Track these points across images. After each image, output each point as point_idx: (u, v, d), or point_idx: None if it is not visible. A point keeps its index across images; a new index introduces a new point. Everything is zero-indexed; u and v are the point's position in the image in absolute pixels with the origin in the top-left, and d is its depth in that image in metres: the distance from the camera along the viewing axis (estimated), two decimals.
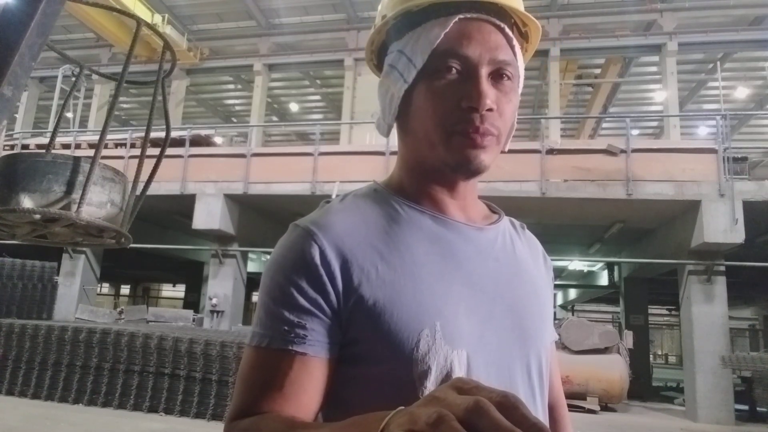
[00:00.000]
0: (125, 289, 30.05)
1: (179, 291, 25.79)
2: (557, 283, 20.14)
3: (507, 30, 0.72)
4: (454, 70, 0.71)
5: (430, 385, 0.65)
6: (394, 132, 0.81)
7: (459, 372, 0.66)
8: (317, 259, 0.67)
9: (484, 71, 0.70)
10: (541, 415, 0.74)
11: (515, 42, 0.74)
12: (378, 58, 0.84)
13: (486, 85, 0.70)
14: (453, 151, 0.71)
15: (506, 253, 0.79)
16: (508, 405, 0.39)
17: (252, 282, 21.18)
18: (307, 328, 0.66)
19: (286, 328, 0.66)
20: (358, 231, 0.70)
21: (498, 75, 0.72)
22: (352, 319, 0.66)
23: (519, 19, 0.76)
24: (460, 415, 0.38)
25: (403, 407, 0.44)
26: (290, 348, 0.65)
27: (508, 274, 0.76)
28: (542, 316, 0.78)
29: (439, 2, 0.72)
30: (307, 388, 0.65)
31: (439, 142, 0.71)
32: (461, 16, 0.71)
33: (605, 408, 9.21)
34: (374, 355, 0.66)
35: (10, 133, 13.47)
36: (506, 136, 0.75)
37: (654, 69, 14.48)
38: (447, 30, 0.70)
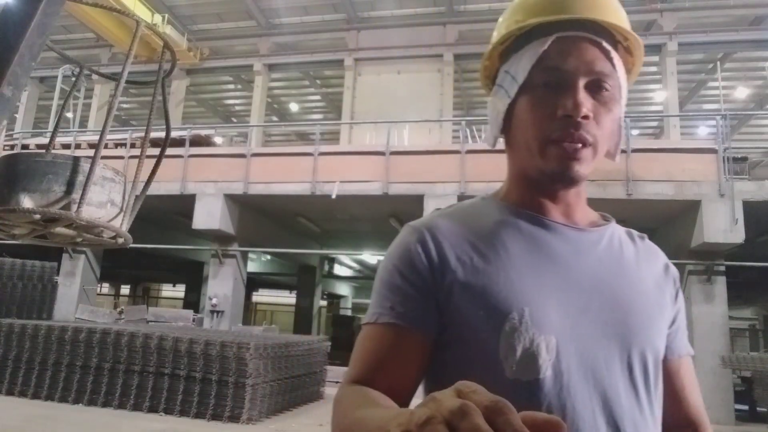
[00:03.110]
0: (125, 289, 30.02)
1: (179, 291, 25.77)
2: None
3: (604, 44, 0.77)
4: (551, 83, 0.77)
5: (515, 365, 0.70)
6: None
7: (546, 356, 0.70)
8: (419, 250, 0.77)
9: (581, 83, 0.76)
10: (648, 415, 0.74)
11: (613, 55, 0.77)
12: (493, 83, 0.90)
13: (582, 95, 0.75)
14: (549, 161, 0.77)
15: (611, 255, 0.81)
16: (495, 410, 0.39)
17: (252, 282, 21.22)
18: (408, 306, 0.75)
19: (391, 305, 0.76)
20: (459, 230, 0.79)
21: (596, 86, 0.77)
22: (447, 302, 0.74)
23: (620, 34, 0.80)
24: (446, 417, 0.39)
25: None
26: (394, 322, 0.74)
27: (611, 274, 0.79)
28: (649, 318, 0.78)
29: (540, 23, 0.78)
30: (403, 358, 0.74)
31: (537, 152, 0.77)
32: (559, 35, 0.76)
33: None
34: (466, 337, 0.73)
35: (10, 133, 13.46)
36: (606, 143, 0.80)
37: (654, 69, 14.48)
38: (546, 47, 0.76)
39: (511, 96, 0.80)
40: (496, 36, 0.84)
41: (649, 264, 0.85)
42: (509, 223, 0.80)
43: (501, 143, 0.88)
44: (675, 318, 0.84)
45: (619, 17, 0.79)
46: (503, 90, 0.82)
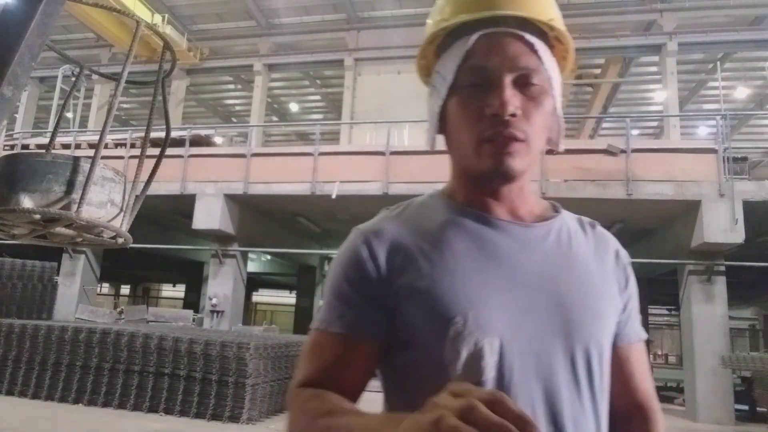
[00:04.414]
0: (125, 289, 30.03)
1: (179, 291, 25.77)
2: None
3: (528, 37, 0.76)
4: (478, 82, 0.76)
5: (460, 368, 0.71)
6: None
7: (490, 357, 0.71)
8: (367, 256, 0.77)
9: (507, 79, 0.75)
10: (588, 408, 0.75)
11: (539, 47, 0.76)
12: None
13: (509, 93, 0.74)
14: (483, 159, 0.76)
15: (559, 248, 0.81)
16: (495, 401, 0.45)
17: (252, 282, 21.20)
18: (356, 315, 0.77)
19: (339, 314, 0.77)
20: (406, 233, 0.80)
21: (524, 81, 0.76)
22: (396, 308, 0.76)
23: (545, 25, 0.79)
24: (456, 415, 0.44)
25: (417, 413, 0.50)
26: (339, 331, 0.76)
27: (557, 268, 0.79)
28: (596, 312, 0.78)
29: (463, 22, 0.78)
30: (352, 365, 0.76)
31: (472, 151, 0.77)
32: (481, 33, 0.76)
33: None
34: (414, 341, 0.75)
35: (10, 133, 13.46)
36: (541, 137, 0.79)
37: (654, 69, 14.48)
38: (469, 47, 0.76)
39: (443, 96, 0.80)
40: (425, 34, 0.84)
41: (599, 253, 0.84)
42: (455, 223, 0.80)
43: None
44: (626, 305, 0.85)
45: (541, 9, 0.78)
46: (436, 90, 0.82)
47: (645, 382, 0.87)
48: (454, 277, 0.75)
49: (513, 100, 0.74)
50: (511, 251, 0.78)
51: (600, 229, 0.88)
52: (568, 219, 0.87)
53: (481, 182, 0.80)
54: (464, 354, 0.71)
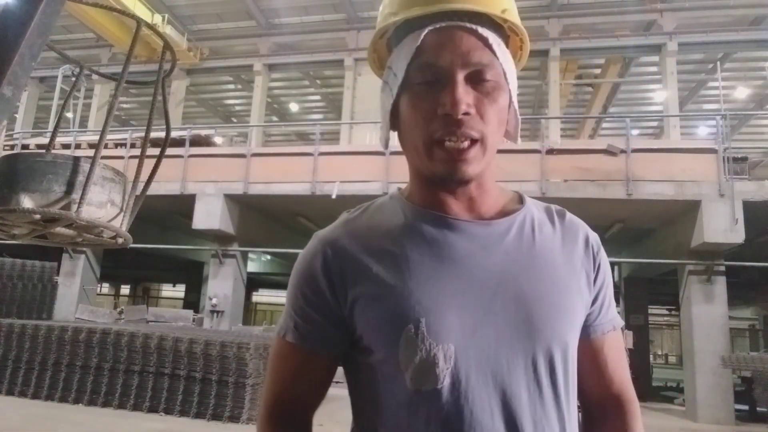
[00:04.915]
0: (125, 289, 30.03)
1: (179, 291, 25.78)
2: None
3: (481, 31, 0.72)
4: (429, 80, 0.73)
5: (414, 376, 0.71)
6: (394, 134, 0.84)
7: (444, 365, 0.69)
8: (321, 269, 0.77)
9: (460, 76, 0.71)
10: (551, 410, 0.72)
11: (492, 41, 0.73)
12: None
13: (461, 91, 0.71)
14: (436, 163, 0.74)
15: (521, 243, 0.77)
16: None
17: (252, 282, 21.22)
18: (310, 328, 0.78)
19: (294, 325, 0.79)
20: (363, 240, 0.78)
21: (477, 77, 0.73)
22: (353, 317, 0.75)
23: (499, 18, 0.75)
24: None
25: None
26: (294, 342, 0.79)
27: (519, 265, 0.75)
28: (559, 308, 0.75)
29: (413, 17, 0.74)
30: (310, 375, 0.80)
31: (425, 154, 0.74)
32: (431, 28, 0.72)
33: None
34: (371, 348, 0.74)
35: (10, 133, 13.46)
36: (497, 134, 0.75)
37: (654, 69, 14.47)
38: (419, 43, 0.73)
39: (394, 94, 0.77)
40: (376, 27, 0.81)
41: (567, 244, 0.80)
42: (411, 227, 0.78)
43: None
44: (597, 295, 0.81)
45: (494, 1, 0.74)
46: (388, 87, 0.79)
47: (619, 372, 0.84)
48: (407, 285, 0.73)
49: (465, 98, 0.71)
50: (468, 252, 0.75)
51: (570, 217, 0.85)
52: (534, 210, 0.83)
53: (435, 183, 0.77)
54: (417, 362, 0.70)
